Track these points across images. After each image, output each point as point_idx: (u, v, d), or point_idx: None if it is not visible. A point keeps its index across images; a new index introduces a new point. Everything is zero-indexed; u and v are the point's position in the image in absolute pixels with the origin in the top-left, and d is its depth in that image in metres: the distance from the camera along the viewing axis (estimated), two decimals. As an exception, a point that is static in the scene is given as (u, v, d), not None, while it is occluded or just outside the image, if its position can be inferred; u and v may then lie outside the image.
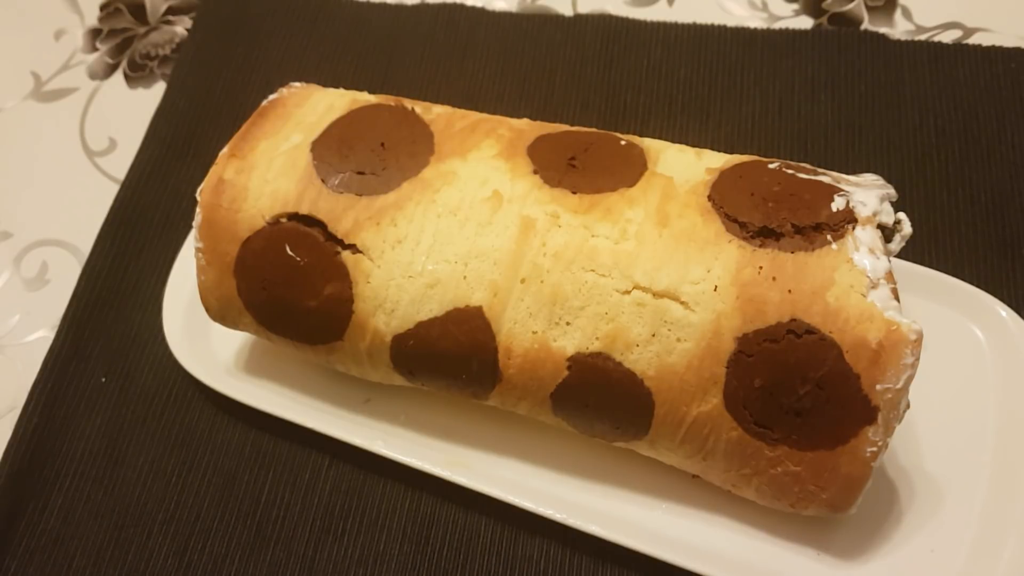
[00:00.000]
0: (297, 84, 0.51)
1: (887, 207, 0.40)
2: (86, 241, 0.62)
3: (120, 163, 0.66)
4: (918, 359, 0.37)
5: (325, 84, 0.52)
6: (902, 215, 0.41)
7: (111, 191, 0.64)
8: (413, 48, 0.69)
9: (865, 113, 0.61)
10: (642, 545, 0.44)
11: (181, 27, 0.73)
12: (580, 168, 0.44)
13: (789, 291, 0.38)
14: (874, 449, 0.38)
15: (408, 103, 0.49)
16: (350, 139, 0.46)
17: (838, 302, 0.38)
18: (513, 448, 0.49)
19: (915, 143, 0.60)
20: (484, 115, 0.48)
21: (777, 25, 0.68)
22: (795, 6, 0.69)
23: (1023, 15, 0.65)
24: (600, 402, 0.42)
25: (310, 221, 0.44)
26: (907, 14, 0.67)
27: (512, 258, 0.42)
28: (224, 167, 0.46)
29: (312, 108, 0.48)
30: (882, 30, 0.66)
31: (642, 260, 0.40)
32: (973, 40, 0.64)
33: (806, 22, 0.68)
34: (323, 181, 0.45)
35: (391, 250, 0.43)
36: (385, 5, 0.72)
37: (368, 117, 0.47)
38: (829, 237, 0.39)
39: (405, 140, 0.46)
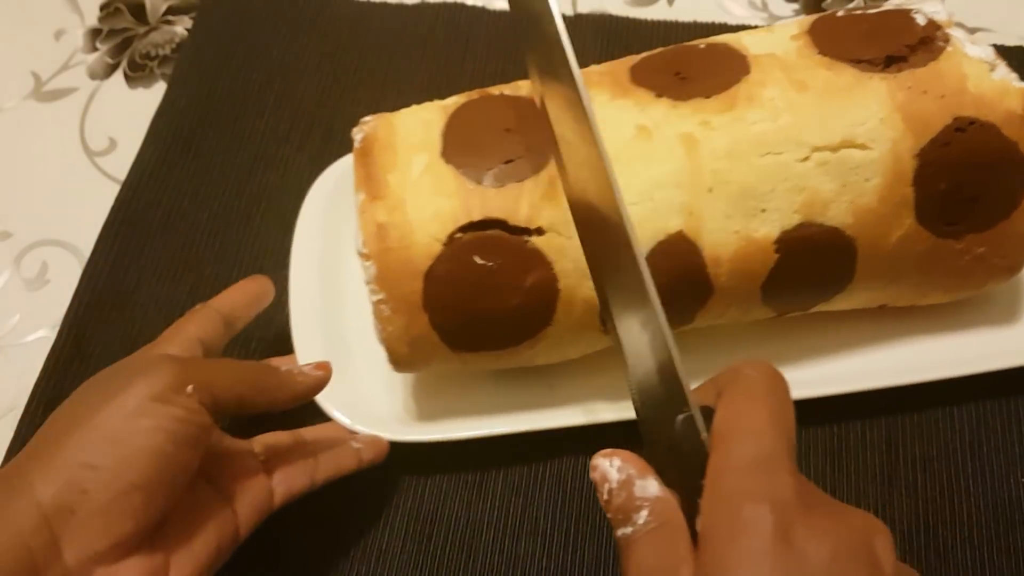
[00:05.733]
0: (368, 118, 0.49)
1: (941, 7, 0.46)
2: (86, 241, 0.62)
3: (120, 163, 0.66)
4: None
5: (325, 84, 0.52)
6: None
7: (111, 191, 0.64)
8: (413, 48, 0.69)
9: (865, 112, 0.61)
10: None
11: (181, 27, 0.73)
12: (692, 78, 0.45)
13: (942, 96, 0.43)
14: None
15: (494, 90, 0.48)
16: (474, 139, 0.45)
17: (978, 90, 0.43)
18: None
19: (915, 142, 0.60)
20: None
21: (777, 25, 0.68)
22: (795, 6, 0.69)
23: (1023, 15, 0.65)
24: (810, 270, 0.45)
25: (487, 224, 0.43)
26: (906, 14, 0.67)
27: (691, 175, 0.43)
28: (374, 212, 0.44)
29: (410, 131, 0.46)
30: (882, 30, 0.66)
31: (807, 125, 0.43)
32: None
33: (806, 22, 0.68)
34: (478, 183, 0.44)
35: None
36: (385, 5, 0.72)
37: (471, 114, 0.47)
38: (940, 43, 0.44)
39: (521, 118, 0.45)
